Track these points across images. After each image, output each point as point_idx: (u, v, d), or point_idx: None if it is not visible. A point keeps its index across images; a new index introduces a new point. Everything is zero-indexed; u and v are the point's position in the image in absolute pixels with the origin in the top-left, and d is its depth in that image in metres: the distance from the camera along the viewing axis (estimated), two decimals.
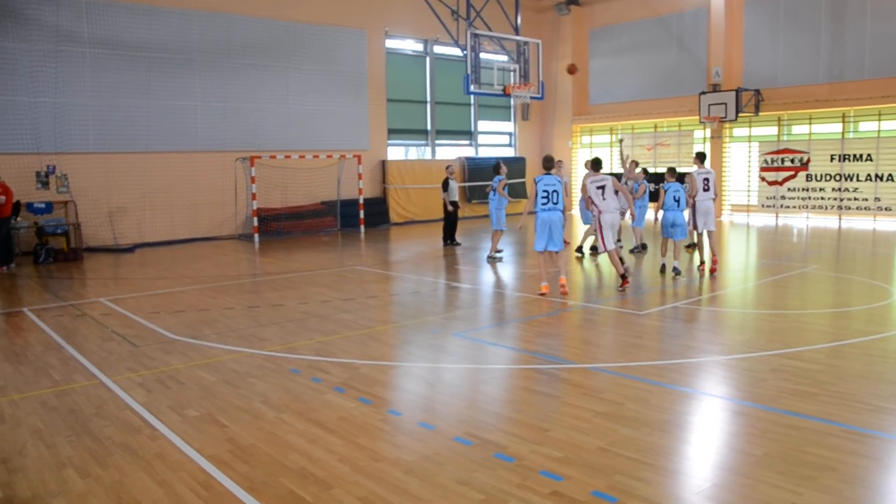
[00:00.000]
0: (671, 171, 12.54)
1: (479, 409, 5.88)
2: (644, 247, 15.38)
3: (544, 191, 10.56)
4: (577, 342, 8.23)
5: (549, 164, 10.94)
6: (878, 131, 21.59)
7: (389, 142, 24.41)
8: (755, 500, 4.16)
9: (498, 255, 14.82)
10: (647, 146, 26.60)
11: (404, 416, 5.67)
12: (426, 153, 25.89)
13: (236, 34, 20.12)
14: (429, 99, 25.55)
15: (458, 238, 17.57)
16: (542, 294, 10.55)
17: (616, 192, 11.27)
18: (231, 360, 7.42)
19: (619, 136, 24.51)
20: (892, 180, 21.13)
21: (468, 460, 4.74)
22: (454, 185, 17.25)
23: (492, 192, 15.26)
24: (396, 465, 4.68)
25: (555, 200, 10.53)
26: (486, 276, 13.00)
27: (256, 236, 19.36)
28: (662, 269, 12.47)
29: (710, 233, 12.36)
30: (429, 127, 25.71)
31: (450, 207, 17.01)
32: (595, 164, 11.68)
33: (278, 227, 20.30)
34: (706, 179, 12.32)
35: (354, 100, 22.96)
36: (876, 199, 21.36)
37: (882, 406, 5.69)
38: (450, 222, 17.26)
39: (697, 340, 8.06)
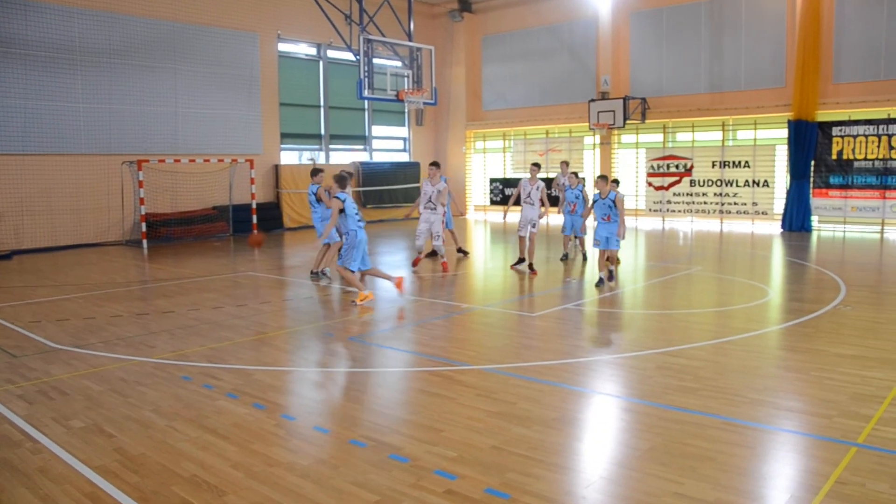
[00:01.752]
0: (604, 178, 11.78)
1: (374, 411, 5.91)
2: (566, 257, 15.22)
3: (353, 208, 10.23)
4: (471, 344, 8.37)
5: (343, 181, 10.25)
6: (755, 140, 22.87)
7: (283, 146, 24.06)
8: (641, 491, 4.36)
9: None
10: (539, 151, 27.22)
11: (298, 421, 5.64)
12: (320, 158, 25.66)
13: (120, 33, 19.37)
14: (322, 103, 25.34)
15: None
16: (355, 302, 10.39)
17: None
18: (118, 368, 7.16)
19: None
20: (768, 186, 22.42)
21: (363, 462, 4.76)
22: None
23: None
24: (291, 470, 4.65)
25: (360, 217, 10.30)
26: (380, 282, 13.00)
27: (145, 242, 18.69)
28: (600, 283, 11.65)
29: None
30: (323, 132, 25.50)
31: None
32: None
33: (168, 232, 19.67)
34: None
35: (247, 103, 22.52)
36: (753, 203, 22.60)
37: (757, 399, 6.06)
38: None
39: (587, 340, 8.34)
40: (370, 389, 6.59)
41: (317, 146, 25.50)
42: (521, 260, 13.63)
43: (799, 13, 20.89)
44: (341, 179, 10.18)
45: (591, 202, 11.70)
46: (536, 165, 13.86)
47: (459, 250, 15.70)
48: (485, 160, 29.22)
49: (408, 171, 27.37)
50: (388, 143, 28.43)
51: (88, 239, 18.99)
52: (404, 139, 28.89)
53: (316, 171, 13.05)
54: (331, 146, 25.80)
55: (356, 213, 10.20)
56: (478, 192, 29.35)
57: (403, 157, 28.65)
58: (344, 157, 26.33)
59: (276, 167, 23.51)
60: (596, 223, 11.72)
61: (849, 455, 4.81)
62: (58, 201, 18.44)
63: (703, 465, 4.69)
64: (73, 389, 6.48)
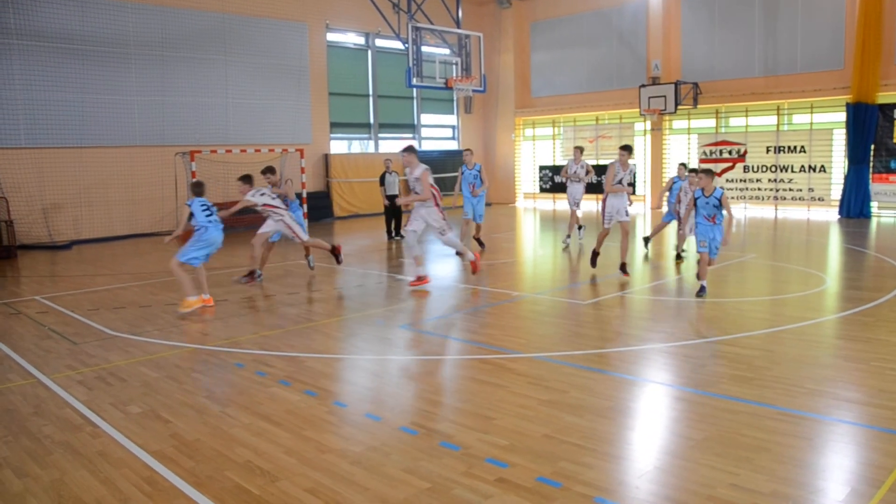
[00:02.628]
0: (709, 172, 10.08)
1: (425, 399, 5.91)
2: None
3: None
4: (522, 332, 8.32)
5: (199, 189, 9.81)
6: (811, 124, 22.26)
7: (332, 135, 24.24)
8: (694, 482, 4.27)
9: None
10: (588, 138, 26.92)
11: (350, 408, 5.67)
12: (369, 147, 25.78)
13: (173, 26, 19.71)
14: (371, 92, 25.43)
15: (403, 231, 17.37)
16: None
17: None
18: (174, 355, 7.30)
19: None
20: (825, 171, 21.82)
21: (414, 449, 4.76)
22: (392, 179, 17.24)
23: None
24: (343, 456, 4.68)
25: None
26: (431, 269, 13.03)
27: None
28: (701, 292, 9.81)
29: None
30: (371, 120, 25.60)
31: (385, 202, 17.05)
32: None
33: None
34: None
35: (296, 93, 22.73)
36: (809, 189, 22.03)
37: (814, 389, 5.90)
38: (390, 216, 17.25)
39: (639, 329, 8.22)
40: (421, 377, 6.60)
41: (366, 135, 25.62)
42: (595, 254, 11.90)
43: None
44: (196, 186, 9.84)
45: (691, 198, 10.20)
46: (626, 149, 11.44)
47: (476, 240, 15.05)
48: (534, 147, 29.01)
49: (457, 159, 27.23)
50: (437, 132, 28.44)
51: (144, 229, 19.40)
52: (453, 127, 28.85)
53: (267, 170, 12.53)
54: (380, 135, 25.88)
55: (206, 215, 9.53)
56: (527, 179, 29.17)
57: (453, 146, 28.61)
58: (393, 145, 26.39)
59: (326, 156, 23.70)
60: (695, 223, 10.17)
61: None
62: (114, 192, 18.88)
63: (759, 456, 4.58)
64: (131, 376, 6.62)
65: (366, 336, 8.12)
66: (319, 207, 22.76)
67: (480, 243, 14.98)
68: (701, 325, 8.30)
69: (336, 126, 24.39)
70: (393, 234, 17.34)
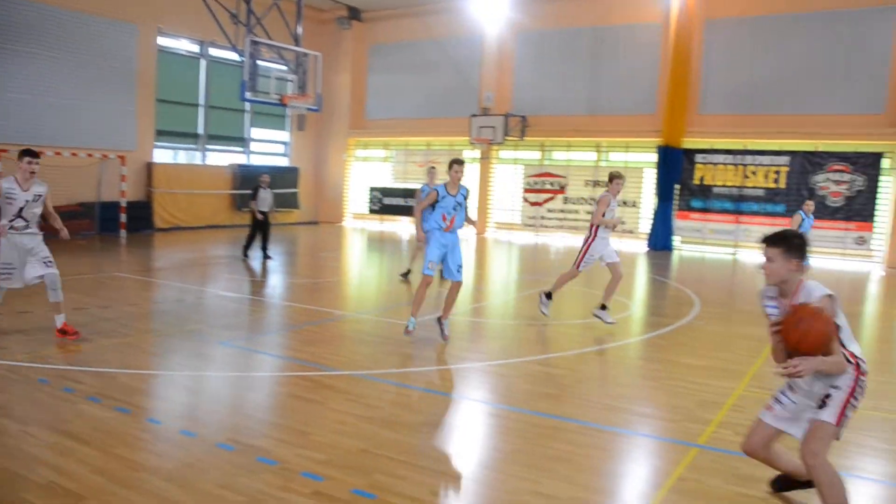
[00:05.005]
0: None
1: (244, 415, 5.88)
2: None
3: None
4: (342, 350, 8.42)
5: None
6: (626, 162, 24.02)
7: (157, 144, 23.24)
8: (503, 490, 4.58)
9: None
10: (419, 163, 27.51)
11: (165, 425, 5.54)
12: (196, 158, 24.96)
13: None
14: (202, 102, 24.67)
15: (269, 251, 15.99)
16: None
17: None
18: None
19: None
20: (635, 206, 23.59)
21: (231, 465, 4.75)
22: (265, 195, 15.86)
23: None
24: (156, 474, 4.59)
25: None
26: (255, 286, 12.87)
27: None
28: None
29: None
30: (201, 131, 24.83)
31: (258, 216, 15.94)
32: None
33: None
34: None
35: (121, 97, 21.59)
36: (622, 222, 23.68)
37: (613, 405, 6.43)
38: (255, 232, 15.90)
39: (458, 349, 8.55)
40: (239, 393, 6.55)
41: (194, 145, 24.79)
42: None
43: (671, 47, 22.15)
44: None
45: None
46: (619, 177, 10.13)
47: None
48: (365, 169, 29.25)
49: (286, 176, 27.03)
50: (269, 147, 27.99)
51: None
52: (285, 143, 28.51)
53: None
54: (208, 146, 25.12)
55: None
56: (357, 200, 29.32)
57: (284, 162, 28.26)
58: (222, 157, 25.72)
59: (150, 165, 22.68)
60: None
61: (690, 455, 5.22)
62: None
63: (561, 466, 4.97)
64: None
65: (183, 352, 7.92)
66: (139, 218, 21.67)
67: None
68: (515, 345, 8.77)
69: (162, 134, 23.42)
70: (251, 253, 15.93)
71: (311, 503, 4.25)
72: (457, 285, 8.56)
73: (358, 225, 28.41)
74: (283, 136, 28.37)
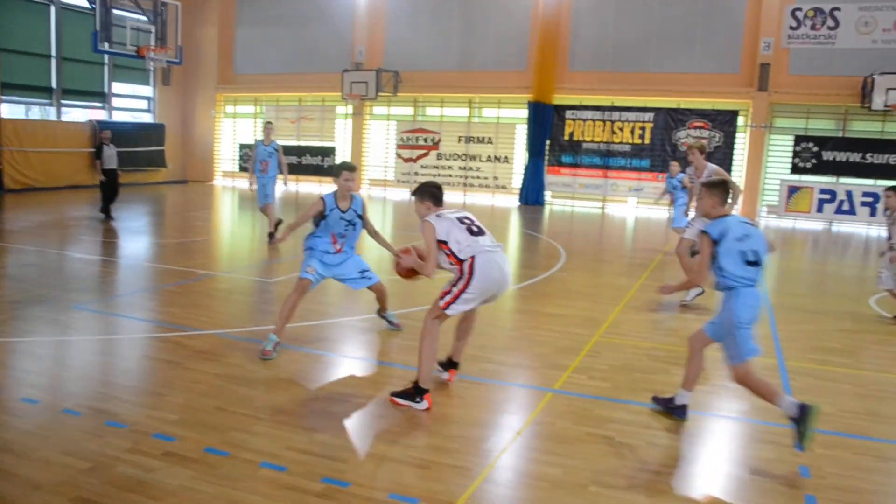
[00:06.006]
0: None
1: (95, 380, 5.65)
2: None
3: None
4: (204, 310, 8.19)
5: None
6: (498, 118, 24.32)
7: (4, 97, 21.62)
8: (359, 443, 4.65)
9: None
10: (290, 119, 26.92)
11: (4, 394, 5.24)
12: (51, 114, 23.42)
13: None
14: (54, 53, 23.03)
15: (113, 211, 15.26)
16: None
17: None
18: None
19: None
20: (508, 162, 23.99)
21: (77, 431, 4.57)
22: (109, 152, 15.18)
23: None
24: None
25: None
26: (114, 248, 12.32)
27: None
28: None
29: None
30: (54, 84, 23.24)
31: (101, 177, 15.13)
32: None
33: None
34: None
35: None
36: (494, 177, 24.09)
37: (473, 354, 6.55)
38: (106, 192, 15.22)
39: (325, 305, 8.48)
40: (92, 358, 6.28)
41: (47, 100, 23.22)
42: None
43: (542, 4, 22.45)
44: None
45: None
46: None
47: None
48: (235, 125, 28.36)
49: (151, 133, 25.82)
50: (132, 103, 26.60)
51: None
52: (149, 99, 27.14)
53: None
54: (63, 101, 23.58)
55: None
56: (227, 158, 28.43)
57: (148, 118, 26.95)
58: (79, 114, 24.27)
59: None
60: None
61: (545, 400, 5.43)
62: None
63: (417, 415, 5.06)
64: None
65: (31, 318, 7.49)
66: None
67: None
68: (374, 300, 8.79)
69: (9, 87, 21.78)
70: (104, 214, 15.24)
71: (161, 464, 4.15)
72: (379, 290, 7.18)
73: (229, 184, 27.59)
74: (147, 90, 27.00)
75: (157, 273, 10.07)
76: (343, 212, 6.64)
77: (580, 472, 4.28)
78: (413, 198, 5.80)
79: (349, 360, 6.42)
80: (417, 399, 5.18)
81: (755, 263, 4.75)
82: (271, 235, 12.78)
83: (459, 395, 5.57)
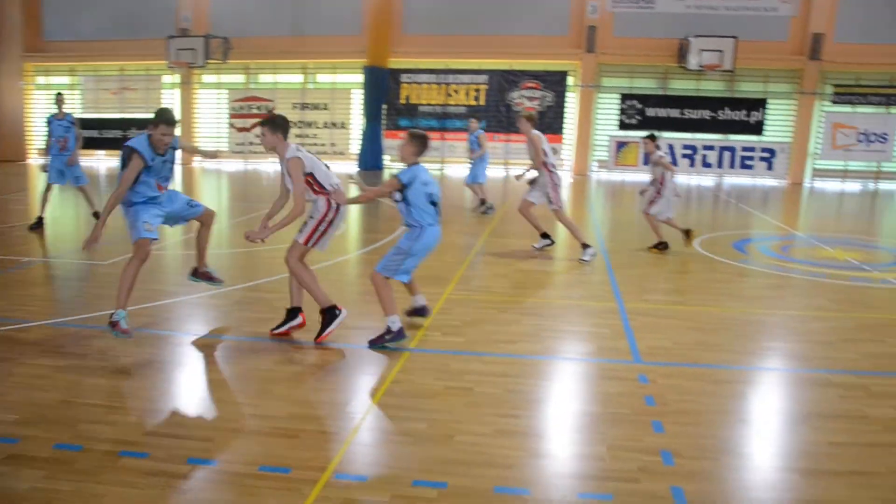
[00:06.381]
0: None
1: None
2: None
3: None
4: (34, 300, 7.65)
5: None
6: (333, 84, 23.99)
7: None
8: (222, 418, 4.57)
9: None
10: (111, 90, 25.31)
11: None
12: None
13: None
14: None
15: None
16: None
17: None
18: None
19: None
20: (344, 127, 23.77)
21: None
22: None
23: None
24: None
25: None
26: None
27: None
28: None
29: None
30: None
31: None
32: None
33: None
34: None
35: None
36: (332, 143, 23.83)
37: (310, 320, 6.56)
38: None
39: (167, 283, 8.17)
40: None
41: None
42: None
43: None
44: None
45: None
46: None
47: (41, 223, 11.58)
48: (48, 98, 26.28)
49: None
50: None
51: None
52: None
53: None
54: None
55: None
56: (40, 134, 26.38)
57: None
58: None
59: None
60: None
61: (402, 359, 5.53)
62: None
63: (278, 387, 5.02)
64: None
65: None
66: None
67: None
68: (228, 274, 8.54)
69: None
70: None
71: (7, 468, 3.87)
72: (207, 216, 6.72)
73: (43, 161, 25.61)
74: None
75: None
76: (163, 155, 6.10)
77: (445, 424, 4.41)
78: (262, 128, 5.90)
79: (197, 339, 6.22)
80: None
81: (435, 204, 5.85)
82: (40, 220, 11.44)
83: (317, 363, 5.57)
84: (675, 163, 22.12)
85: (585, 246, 9.44)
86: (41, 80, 26.32)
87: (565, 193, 11.05)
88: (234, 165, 24.16)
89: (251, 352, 5.76)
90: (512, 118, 22.68)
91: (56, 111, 11.72)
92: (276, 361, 5.53)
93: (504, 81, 22.82)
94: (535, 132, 9.73)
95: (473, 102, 23.05)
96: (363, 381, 5.25)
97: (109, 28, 25.03)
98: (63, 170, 11.68)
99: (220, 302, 7.27)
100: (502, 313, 6.88)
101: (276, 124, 5.84)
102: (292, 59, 23.78)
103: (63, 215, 13.69)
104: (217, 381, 5.18)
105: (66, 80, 26.17)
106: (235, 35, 23.88)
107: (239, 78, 24.82)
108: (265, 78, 24.74)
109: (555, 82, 22.57)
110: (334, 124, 23.73)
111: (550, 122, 22.25)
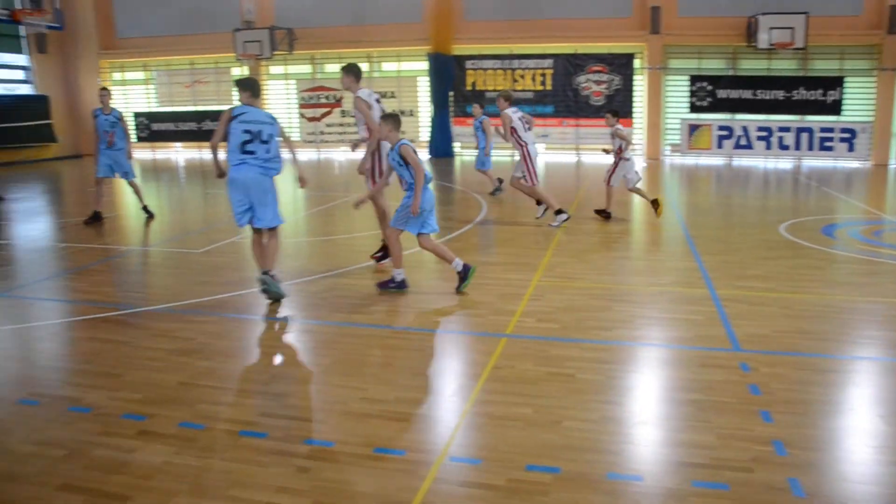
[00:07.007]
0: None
1: (41, 367, 5.47)
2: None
3: (246, 131, 6.76)
4: (138, 286, 8.01)
5: (252, 88, 7.14)
6: (398, 71, 24.12)
7: None
8: (331, 401, 4.69)
9: None
10: (185, 84, 25.94)
11: None
12: None
13: None
14: None
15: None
16: None
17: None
18: None
19: None
20: (413, 115, 23.89)
21: (40, 420, 4.43)
22: None
23: None
24: None
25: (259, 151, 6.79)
26: (23, 230, 11.75)
27: None
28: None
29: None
30: None
31: None
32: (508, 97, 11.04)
33: None
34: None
35: None
36: (402, 132, 23.94)
37: (419, 308, 6.70)
38: None
39: (258, 271, 8.38)
40: (31, 345, 6.04)
41: None
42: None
43: None
44: None
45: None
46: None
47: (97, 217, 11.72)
48: (125, 94, 27.06)
49: (34, 106, 24.32)
50: (5, 73, 24.78)
51: None
52: (24, 68, 25.41)
53: None
54: None
55: None
56: None
57: (26, 90, 25.31)
58: None
59: None
60: None
61: (501, 345, 5.59)
62: None
63: (382, 371, 5.16)
64: None
65: None
66: None
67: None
68: (314, 261, 8.76)
69: None
70: None
71: (139, 443, 4.09)
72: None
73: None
74: (21, 59, 25.23)
75: (77, 252, 9.66)
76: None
77: (551, 409, 4.47)
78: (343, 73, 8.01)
79: (303, 324, 6.40)
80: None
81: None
82: (96, 215, 11.60)
83: (416, 347, 5.67)
84: (750, 146, 21.70)
85: (559, 212, 10.59)
86: (116, 76, 27.10)
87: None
88: (307, 155, 24.51)
89: (350, 337, 5.90)
90: (581, 103, 22.50)
91: (101, 106, 11.73)
92: (376, 347, 5.66)
93: (570, 65, 22.64)
94: (508, 111, 10.71)
95: (540, 87, 22.91)
96: (464, 366, 5.34)
97: (178, 23, 25.57)
98: (111, 164, 11.77)
99: (312, 288, 7.45)
100: (593, 300, 6.88)
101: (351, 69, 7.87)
102: (356, 48, 23.96)
103: (150, 205, 14.11)
104: (323, 364, 5.34)
105: (140, 75, 26.90)
106: (299, 26, 24.15)
107: (306, 68, 25.15)
108: (331, 67, 25.01)
109: (621, 65, 22.29)
110: (402, 112, 23.90)
111: (619, 105, 21.91)
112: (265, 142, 6.74)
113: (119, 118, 11.76)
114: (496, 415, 4.46)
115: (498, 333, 5.87)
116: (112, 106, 11.79)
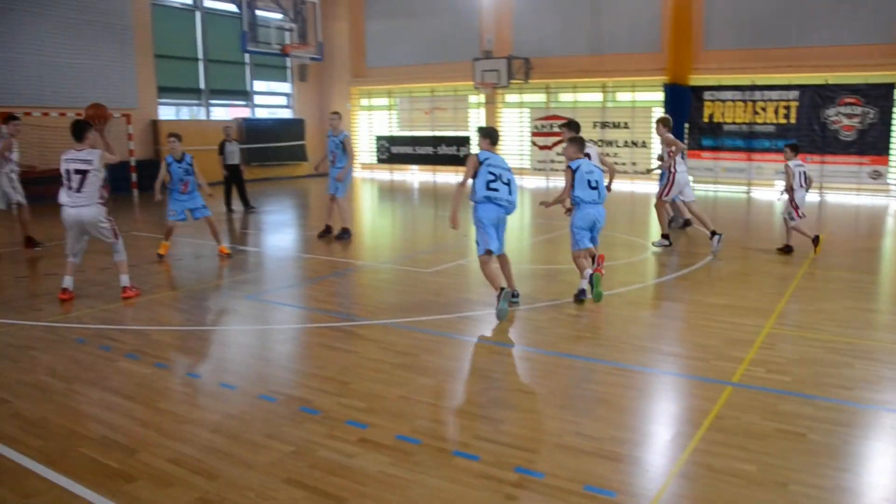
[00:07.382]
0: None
1: (280, 367, 5.97)
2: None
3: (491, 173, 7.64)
4: (367, 300, 8.49)
5: (491, 136, 8.14)
6: (633, 102, 23.77)
7: (160, 101, 23.03)
8: (545, 432, 4.68)
9: None
10: (424, 110, 27.28)
11: (204, 379, 5.63)
12: (200, 113, 24.75)
13: None
14: (201, 56, 24.30)
15: (252, 203, 16.52)
16: None
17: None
18: (4, 333, 6.87)
19: None
20: (645, 146, 23.41)
21: (275, 416, 4.84)
22: (231, 148, 16.48)
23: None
24: (202, 426, 4.68)
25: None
26: (272, 240, 12.91)
27: None
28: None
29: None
30: (202, 86, 24.55)
31: (225, 172, 16.36)
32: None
33: (39, 191, 18.56)
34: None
35: (119, 54, 21.29)
36: (632, 163, 23.55)
37: (642, 345, 6.50)
38: (229, 186, 16.55)
39: (480, 294, 8.57)
40: (273, 346, 6.63)
41: (197, 101, 24.55)
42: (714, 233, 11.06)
43: None
44: None
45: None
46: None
47: (328, 231, 12.53)
48: (370, 118, 29.01)
49: (292, 129, 26.83)
50: (271, 100, 27.72)
51: None
52: (287, 95, 28.21)
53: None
54: (211, 101, 24.87)
55: None
56: (364, 150, 29.18)
57: (287, 114, 28.02)
58: (225, 112, 25.49)
59: (154, 122, 22.54)
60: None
61: (725, 393, 5.28)
62: None
63: (598, 407, 5.05)
64: None
65: (211, 307, 8.00)
66: (149, 177, 21.53)
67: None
68: (538, 290, 8.81)
69: (164, 91, 23.17)
70: (240, 207, 16.40)
71: (359, 450, 4.33)
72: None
73: (367, 175, 28.28)
74: (285, 87, 28.05)
75: (315, 264, 10.47)
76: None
77: (777, 469, 4.14)
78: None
79: (522, 351, 6.47)
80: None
81: (595, 188, 7.87)
82: (345, 231, 12.21)
83: (635, 386, 5.52)
84: None
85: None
86: (364, 101, 29.14)
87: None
88: (535, 182, 24.83)
89: (569, 369, 5.87)
90: (828, 138, 20.86)
91: (173, 153, 11.29)
92: (595, 382, 5.58)
93: (818, 97, 21.05)
94: (668, 134, 11.78)
95: (783, 121, 21.51)
96: (684, 411, 5.10)
97: (421, 53, 26.96)
98: (182, 210, 11.15)
99: (535, 316, 7.49)
100: (831, 353, 6.31)
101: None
102: (591, 77, 23.91)
103: (383, 224, 14.99)
104: (539, 394, 5.35)
105: (384, 101, 28.71)
106: (536, 55, 24.55)
107: (540, 97, 25.51)
108: (565, 96, 25.15)
109: (878, 96, 20.33)
110: (634, 143, 23.48)
111: (874, 140, 20.02)
112: (506, 183, 7.66)
113: (191, 164, 11.28)
114: (715, 467, 4.21)
115: (723, 381, 5.55)
116: (183, 152, 11.44)
